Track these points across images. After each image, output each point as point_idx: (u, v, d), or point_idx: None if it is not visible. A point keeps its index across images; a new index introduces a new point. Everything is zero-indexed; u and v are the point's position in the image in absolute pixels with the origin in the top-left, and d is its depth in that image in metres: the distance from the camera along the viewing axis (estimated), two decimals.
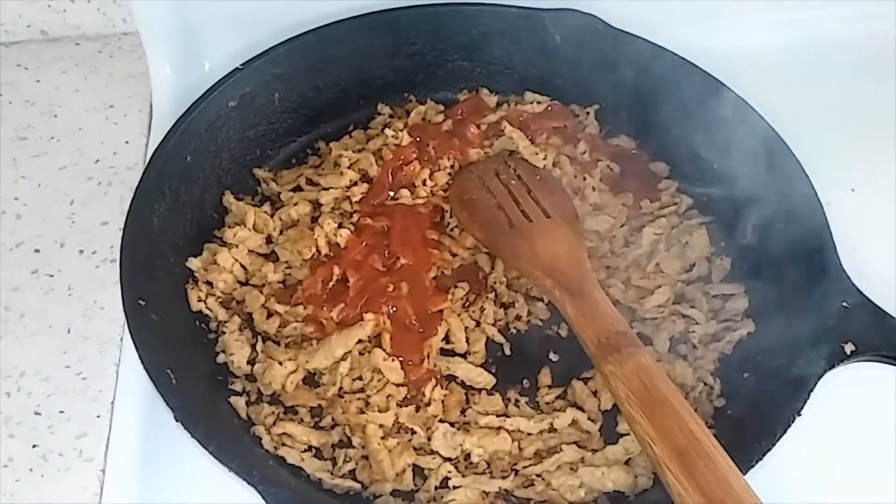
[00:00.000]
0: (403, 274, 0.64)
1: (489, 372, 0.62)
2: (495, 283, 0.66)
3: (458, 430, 0.59)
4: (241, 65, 0.69)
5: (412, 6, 0.74)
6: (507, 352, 0.64)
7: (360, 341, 0.61)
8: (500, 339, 0.64)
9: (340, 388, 0.60)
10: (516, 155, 0.72)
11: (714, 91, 0.70)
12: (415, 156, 0.71)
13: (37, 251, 0.67)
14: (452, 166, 0.72)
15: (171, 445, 0.54)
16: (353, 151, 0.72)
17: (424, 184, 0.71)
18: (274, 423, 0.58)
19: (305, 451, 0.58)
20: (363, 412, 0.59)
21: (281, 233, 0.68)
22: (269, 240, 0.67)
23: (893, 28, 0.84)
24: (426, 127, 0.74)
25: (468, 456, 0.58)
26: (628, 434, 0.58)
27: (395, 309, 0.63)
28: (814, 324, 0.57)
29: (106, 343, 0.62)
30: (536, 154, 0.72)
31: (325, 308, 0.62)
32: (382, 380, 0.60)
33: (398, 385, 0.60)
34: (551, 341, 0.64)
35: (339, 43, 0.73)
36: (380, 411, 0.59)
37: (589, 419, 0.59)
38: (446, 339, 0.63)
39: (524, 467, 0.57)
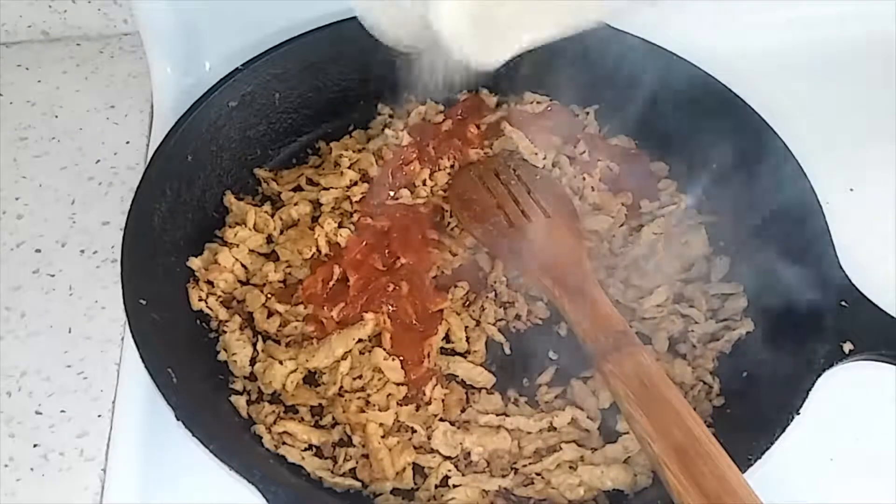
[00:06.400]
0: (403, 273, 0.64)
1: (489, 371, 0.62)
2: (495, 282, 0.66)
3: (458, 428, 0.59)
4: (242, 65, 0.70)
5: None
6: (507, 351, 0.64)
7: (360, 340, 0.62)
8: (499, 338, 0.64)
9: (341, 387, 0.60)
10: (516, 155, 0.72)
11: (713, 91, 0.70)
12: (415, 156, 0.71)
13: (38, 251, 0.67)
14: (452, 166, 0.72)
15: (172, 444, 0.54)
16: (354, 151, 0.72)
17: (424, 184, 0.71)
18: (274, 422, 0.58)
19: (306, 449, 0.58)
20: (363, 411, 0.59)
21: (281, 232, 0.68)
22: (269, 239, 0.68)
23: (893, 28, 0.84)
24: (426, 127, 0.74)
25: (468, 454, 0.58)
26: (627, 433, 0.58)
27: (395, 308, 0.63)
28: (812, 323, 0.57)
29: (107, 342, 0.62)
30: (536, 154, 0.72)
31: (325, 307, 0.63)
32: (383, 379, 0.60)
33: (398, 384, 0.60)
34: (551, 340, 0.64)
35: (340, 43, 0.73)
36: (380, 410, 0.59)
37: (588, 418, 0.59)
38: (446, 338, 0.64)
39: (524, 466, 0.57)
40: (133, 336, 0.55)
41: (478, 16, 0.41)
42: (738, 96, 0.69)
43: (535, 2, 0.41)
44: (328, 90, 0.75)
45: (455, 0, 0.41)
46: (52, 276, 0.66)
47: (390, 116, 0.76)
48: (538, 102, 0.76)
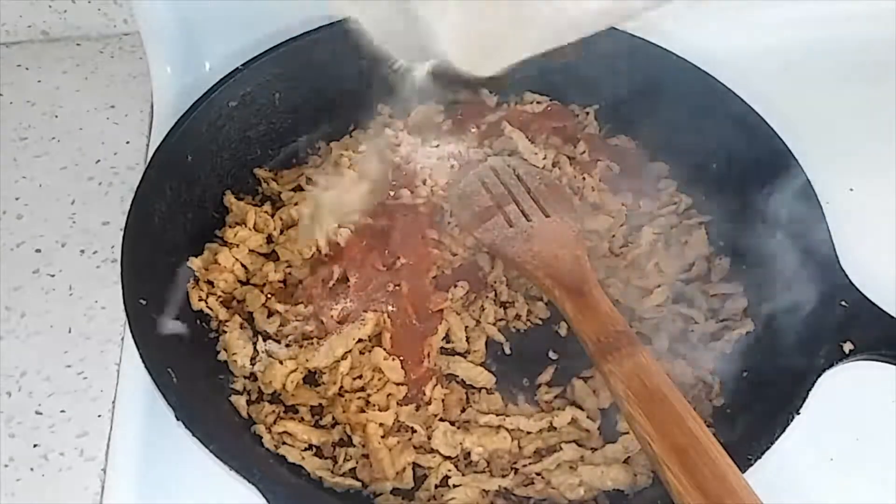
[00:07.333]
0: (404, 273, 0.64)
1: (489, 371, 0.62)
2: (495, 282, 0.66)
3: (458, 428, 0.59)
4: (242, 65, 0.70)
5: None
6: (507, 351, 0.64)
7: (360, 340, 0.62)
8: (499, 338, 0.64)
9: (341, 386, 0.60)
10: (516, 155, 0.72)
11: (713, 91, 0.70)
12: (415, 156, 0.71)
13: (38, 251, 0.67)
14: (452, 166, 0.72)
15: (172, 444, 0.54)
16: (354, 151, 0.72)
17: (424, 184, 0.71)
18: (274, 422, 0.58)
19: (306, 449, 0.58)
20: (363, 411, 0.59)
21: (281, 232, 0.68)
22: (269, 239, 0.67)
23: (893, 29, 0.84)
24: (426, 127, 0.74)
25: (468, 454, 0.58)
26: (627, 433, 0.58)
27: (395, 308, 0.63)
28: (812, 323, 0.57)
29: (107, 342, 0.62)
30: (536, 154, 0.72)
31: (325, 307, 0.63)
32: (383, 379, 0.60)
33: (398, 384, 0.60)
34: (551, 340, 0.64)
35: (340, 43, 0.73)
36: (380, 410, 0.59)
37: (588, 418, 0.59)
38: (446, 338, 0.64)
39: (524, 466, 0.57)
40: (133, 336, 0.55)
41: (473, 34, 0.41)
42: (738, 96, 0.69)
43: (526, 19, 0.41)
44: (328, 90, 0.75)
45: (452, 26, 0.41)
46: (52, 276, 0.66)
47: (390, 116, 0.76)
48: (538, 102, 0.76)
